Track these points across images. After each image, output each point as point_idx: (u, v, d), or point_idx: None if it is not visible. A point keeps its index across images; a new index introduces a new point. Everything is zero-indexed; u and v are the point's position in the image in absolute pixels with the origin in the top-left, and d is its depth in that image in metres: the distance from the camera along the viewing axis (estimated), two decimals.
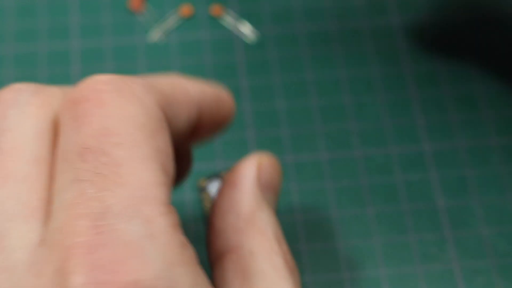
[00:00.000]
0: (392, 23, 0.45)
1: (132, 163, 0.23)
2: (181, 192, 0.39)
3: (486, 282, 0.36)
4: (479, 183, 0.40)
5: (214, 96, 0.29)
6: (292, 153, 0.40)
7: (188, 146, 0.31)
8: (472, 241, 0.38)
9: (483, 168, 0.40)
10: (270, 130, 0.41)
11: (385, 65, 0.44)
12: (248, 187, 0.29)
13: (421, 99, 0.42)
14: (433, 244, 0.37)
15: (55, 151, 0.25)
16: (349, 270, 0.37)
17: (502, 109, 0.42)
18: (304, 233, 0.38)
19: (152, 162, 0.24)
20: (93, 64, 0.44)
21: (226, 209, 0.29)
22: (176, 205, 0.39)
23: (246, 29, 0.45)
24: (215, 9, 0.45)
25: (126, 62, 0.44)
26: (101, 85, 0.25)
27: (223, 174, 0.39)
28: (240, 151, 0.40)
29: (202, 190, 0.39)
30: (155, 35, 0.45)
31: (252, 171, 0.30)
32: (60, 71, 0.43)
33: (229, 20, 0.45)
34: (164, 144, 0.25)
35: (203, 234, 0.38)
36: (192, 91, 0.28)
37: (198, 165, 0.40)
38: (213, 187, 0.39)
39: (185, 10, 0.45)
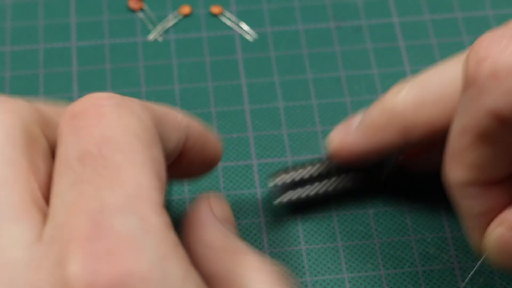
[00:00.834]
0: (392, 23, 0.45)
1: (129, 167, 0.25)
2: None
3: (486, 282, 0.36)
4: None
5: (202, 131, 0.31)
6: (292, 153, 0.40)
7: (175, 176, 0.32)
8: None
9: None
10: (270, 130, 0.41)
11: (385, 65, 0.44)
12: (207, 220, 0.31)
13: None
14: (433, 244, 0.37)
15: (55, 160, 0.26)
16: (350, 272, 0.37)
17: None
18: (303, 235, 0.38)
19: (148, 168, 0.25)
20: (93, 63, 0.43)
21: (195, 246, 0.30)
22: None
23: (245, 28, 0.45)
24: (215, 8, 0.45)
25: (126, 61, 0.44)
26: (100, 100, 0.26)
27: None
28: (240, 151, 0.40)
29: None
30: (155, 34, 0.45)
31: (205, 207, 0.31)
32: (59, 70, 0.43)
33: (228, 19, 0.45)
34: (159, 156, 0.26)
35: None
36: (181, 119, 0.30)
37: None
38: None
39: (185, 9, 0.45)
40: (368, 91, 0.43)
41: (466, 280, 0.36)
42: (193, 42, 0.44)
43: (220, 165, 0.40)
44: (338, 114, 0.42)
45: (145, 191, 0.24)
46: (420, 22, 0.45)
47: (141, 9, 0.46)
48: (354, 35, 0.45)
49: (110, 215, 0.24)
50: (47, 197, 0.26)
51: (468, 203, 0.30)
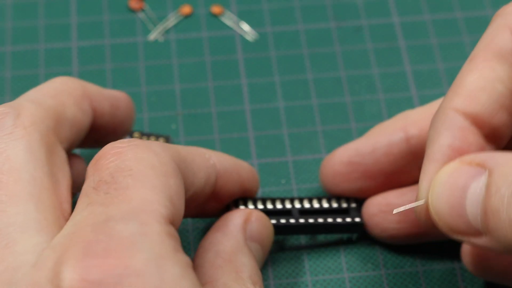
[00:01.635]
0: (392, 23, 0.45)
1: (138, 188, 0.26)
2: None
3: (486, 282, 0.36)
4: None
5: (235, 163, 0.33)
6: (292, 153, 0.40)
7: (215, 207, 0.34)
8: None
9: None
10: (270, 130, 0.41)
11: (385, 65, 0.44)
12: (231, 230, 0.32)
13: (421, 99, 0.42)
14: (434, 243, 0.37)
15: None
16: (350, 272, 0.37)
17: None
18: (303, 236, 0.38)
19: (159, 191, 0.26)
20: (93, 63, 0.43)
21: (207, 248, 0.31)
22: None
23: (246, 28, 0.45)
24: (215, 8, 0.45)
25: (126, 61, 0.44)
26: (120, 143, 0.28)
27: None
28: (240, 151, 0.40)
29: None
30: (155, 34, 0.45)
31: (238, 219, 0.33)
32: (60, 70, 0.43)
33: (228, 19, 0.45)
34: (175, 185, 0.27)
35: None
36: (210, 155, 0.32)
37: None
38: None
39: (185, 9, 0.45)
40: (368, 91, 0.43)
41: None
42: (193, 42, 0.45)
43: None
44: (338, 114, 0.42)
45: (150, 205, 0.26)
46: (420, 22, 0.45)
47: (142, 9, 0.46)
48: (354, 35, 0.45)
49: (113, 223, 0.25)
50: (65, 209, 0.29)
51: (447, 134, 0.29)
